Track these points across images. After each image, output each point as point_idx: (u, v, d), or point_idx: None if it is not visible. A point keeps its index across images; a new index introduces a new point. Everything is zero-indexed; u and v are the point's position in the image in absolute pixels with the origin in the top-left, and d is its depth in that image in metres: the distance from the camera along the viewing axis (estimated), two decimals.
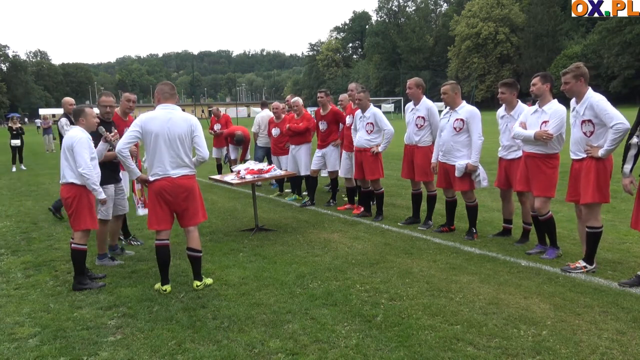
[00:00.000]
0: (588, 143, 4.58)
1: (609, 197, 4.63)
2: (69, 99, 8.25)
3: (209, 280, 4.66)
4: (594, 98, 4.56)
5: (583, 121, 4.61)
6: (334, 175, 8.31)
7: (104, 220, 5.29)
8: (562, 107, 5.03)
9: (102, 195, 4.72)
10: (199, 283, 4.56)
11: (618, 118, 4.36)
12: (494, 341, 3.39)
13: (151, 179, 4.41)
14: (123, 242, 6.19)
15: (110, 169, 5.26)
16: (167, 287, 4.48)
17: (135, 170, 4.55)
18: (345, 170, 7.82)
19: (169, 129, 4.34)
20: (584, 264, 4.67)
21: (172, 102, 4.51)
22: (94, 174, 4.62)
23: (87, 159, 4.57)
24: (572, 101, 4.80)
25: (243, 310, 4.03)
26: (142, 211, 5.86)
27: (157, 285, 4.56)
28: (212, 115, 11.55)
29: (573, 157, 4.77)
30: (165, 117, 4.37)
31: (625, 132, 4.33)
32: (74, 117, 4.83)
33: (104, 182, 5.13)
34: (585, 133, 4.62)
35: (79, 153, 4.54)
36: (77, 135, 4.61)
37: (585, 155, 4.62)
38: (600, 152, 4.48)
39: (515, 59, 74.61)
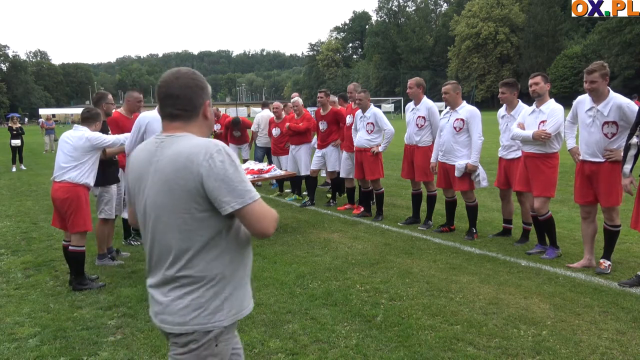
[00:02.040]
0: (608, 147, 4.49)
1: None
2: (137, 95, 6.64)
3: None
4: (622, 99, 4.45)
5: (606, 122, 4.46)
6: (333, 176, 8.31)
7: (107, 220, 5.30)
8: (560, 106, 5.01)
9: (118, 138, 4.83)
10: None
11: None
12: (494, 341, 3.39)
13: None
14: (123, 243, 6.21)
15: (112, 169, 5.29)
16: None
17: None
18: (345, 170, 7.82)
19: None
20: (609, 262, 4.67)
21: None
22: (112, 138, 4.79)
23: (104, 138, 4.69)
24: (586, 100, 4.63)
25: None
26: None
27: None
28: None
29: (588, 158, 4.62)
30: None
31: None
32: (89, 119, 4.79)
33: (107, 183, 5.17)
34: (606, 135, 4.48)
35: (99, 140, 4.65)
36: (87, 133, 4.65)
37: (603, 160, 4.51)
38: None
39: (515, 59, 74.63)
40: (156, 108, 4.53)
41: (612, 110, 4.44)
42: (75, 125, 4.83)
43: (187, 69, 1.85)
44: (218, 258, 1.75)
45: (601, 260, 4.70)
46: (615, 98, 4.45)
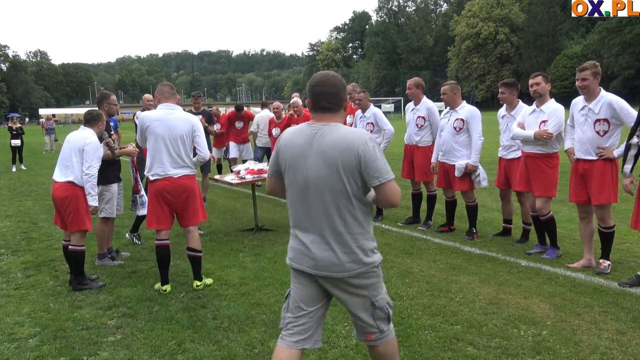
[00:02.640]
0: (600, 145, 4.51)
1: (617, 196, 4.64)
2: (148, 96, 7.63)
3: (209, 280, 4.66)
4: (613, 97, 4.49)
5: (597, 120, 4.50)
6: None
7: (108, 219, 5.30)
8: (560, 106, 5.02)
9: (95, 202, 4.67)
10: (199, 283, 4.56)
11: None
12: (494, 341, 3.39)
13: (151, 178, 4.41)
14: (127, 236, 6.22)
15: (113, 168, 5.30)
16: (167, 287, 4.48)
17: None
18: None
19: (170, 129, 4.34)
20: (608, 262, 4.67)
21: (173, 102, 4.52)
22: (95, 180, 4.62)
23: (95, 163, 4.61)
24: (580, 100, 4.69)
25: (243, 310, 4.03)
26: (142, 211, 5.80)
27: (157, 285, 4.56)
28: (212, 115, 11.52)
29: (581, 156, 4.64)
30: (166, 117, 4.37)
31: None
32: (92, 121, 4.80)
33: (108, 182, 5.17)
34: (598, 132, 4.51)
35: (90, 155, 4.57)
36: (89, 138, 4.63)
37: (595, 157, 4.53)
38: (616, 153, 4.44)
39: (515, 59, 74.58)
40: (157, 107, 4.53)
41: (602, 107, 4.48)
42: (82, 126, 4.84)
43: (332, 72, 2.38)
44: (362, 217, 2.31)
45: (601, 260, 4.70)
46: (607, 96, 4.51)
